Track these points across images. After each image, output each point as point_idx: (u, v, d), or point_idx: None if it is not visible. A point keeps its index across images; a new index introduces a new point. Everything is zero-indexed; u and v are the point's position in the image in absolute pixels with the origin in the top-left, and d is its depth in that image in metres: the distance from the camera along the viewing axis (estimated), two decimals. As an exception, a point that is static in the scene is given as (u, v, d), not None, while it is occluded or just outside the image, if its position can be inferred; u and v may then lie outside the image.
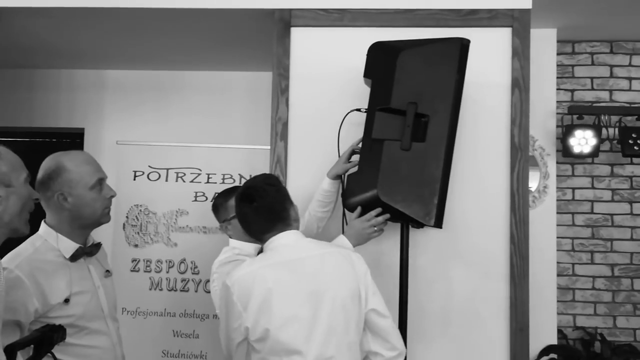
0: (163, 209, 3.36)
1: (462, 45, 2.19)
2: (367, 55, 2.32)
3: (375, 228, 2.16)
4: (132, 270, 3.33)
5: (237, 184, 3.18)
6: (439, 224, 2.13)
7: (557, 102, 3.38)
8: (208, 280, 2.84)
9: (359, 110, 2.34)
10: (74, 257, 1.76)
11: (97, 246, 1.90)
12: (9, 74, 4.06)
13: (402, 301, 2.22)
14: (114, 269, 2.17)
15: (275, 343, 1.72)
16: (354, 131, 2.37)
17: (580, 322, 3.49)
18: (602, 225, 3.52)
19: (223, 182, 3.35)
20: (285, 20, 2.67)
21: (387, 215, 2.16)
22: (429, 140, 2.14)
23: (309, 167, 2.59)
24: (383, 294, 1.89)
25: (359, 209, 2.19)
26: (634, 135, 3.25)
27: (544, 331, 3.11)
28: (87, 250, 1.82)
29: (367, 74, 2.33)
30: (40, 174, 1.77)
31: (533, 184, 3.24)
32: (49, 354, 1.42)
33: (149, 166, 3.39)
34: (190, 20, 2.95)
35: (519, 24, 2.60)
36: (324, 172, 2.34)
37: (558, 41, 3.33)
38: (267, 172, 2.53)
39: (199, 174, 3.38)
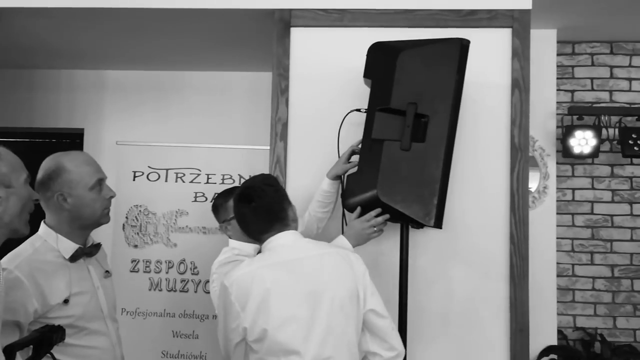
0: (163, 210, 3.36)
1: (462, 46, 2.19)
2: (367, 55, 2.32)
3: (375, 228, 2.16)
4: (131, 271, 3.32)
5: (236, 184, 3.17)
6: (438, 224, 2.13)
7: (557, 102, 3.38)
8: (208, 281, 2.85)
9: (358, 110, 2.34)
10: (74, 258, 1.76)
11: (97, 247, 1.89)
12: (9, 74, 4.06)
13: (402, 302, 2.22)
14: (114, 270, 2.17)
15: (273, 343, 1.72)
16: (354, 131, 2.37)
17: (580, 323, 3.49)
18: (602, 226, 3.52)
19: (223, 183, 3.35)
20: (285, 21, 2.67)
21: (387, 216, 2.16)
22: (429, 141, 2.14)
23: (308, 167, 2.59)
24: (383, 295, 1.89)
25: (358, 209, 2.19)
26: (634, 135, 3.25)
27: (544, 332, 3.11)
28: (87, 251, 1.82)
29: (367, 74, 2.33)
30: (40, 174, 1.77)
31: (533, 184, 3.24)
32: (48, 355, 1.42)
33: (149, 166, 3.39)
34: (190, 21, 2.95)
35: (519, 24, 2.60)
36: (323, 172, 2.34)
37: (558, 42, 3.33)
38: (267, 172, 2.53)
39: (199, 175, 3.38)
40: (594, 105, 3.52)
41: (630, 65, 3.54)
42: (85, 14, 2.85)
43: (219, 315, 1.85)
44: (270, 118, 2.66)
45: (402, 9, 2.64)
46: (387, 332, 1.85)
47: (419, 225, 2.20)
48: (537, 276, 2.87)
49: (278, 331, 1.72)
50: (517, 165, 2.56)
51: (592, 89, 3.55)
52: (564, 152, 3.30)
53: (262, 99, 3.60)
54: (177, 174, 3.38)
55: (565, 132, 3.29)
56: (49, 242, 1.75)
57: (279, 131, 2.64)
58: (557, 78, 3.37)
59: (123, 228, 3.36)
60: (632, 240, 3.51)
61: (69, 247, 1.76)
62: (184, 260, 3.33)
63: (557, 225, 3.33)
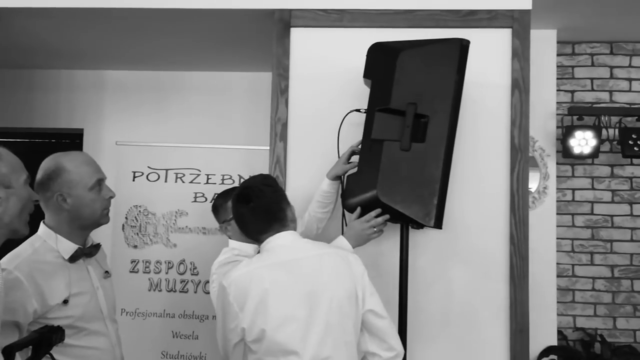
0: (162, 210, 3.36)
1: (462, 46, 2.19)
2: (367, 55, 2.32)
3: (375, 229, 2.16)
4: (131, 271, 3.32)
5: (236, 184, 3.17)
6: (438, 224, 2.13)
7: (557, 103, 3.38)
8: (207, 281, 2.85)
9: (358, 110, 2.34)
10: (73, 258, 1.76)
11: (97, 247, 1.89)
12: (9, 74, 4.06)
13: (402, 302, 2.21)
14: (113, 270, 2.17)
15: (271, 344, 1.72)
16: (354, 132, 2.37)
17: (580, 323, 3.49)
18: (602, 227, 3.52)
19: (222, 183, 3.35)
20: (285, 21, 2.67)
21: (387, 216, 2.15)
22: (429, 141, 2.14)
23: (308, 167, 2.59)
24: (382, 295, 1.88)
25: (358, 209, 2.19)
26: (634, 136, 3.25)
27: (543, 332, 3.11)
28: (87, 251, 1.82)
29: (366, 75, 2.32)
30: (39, 174, 1.77)
31: (533, 184, 3.23)
32: (47, 355, 1.42)
33: (149, 167, 3.39)
34: (190, 21, 2.95)
35: (518, 24, 2.60)
36: (323, 172, 2.34)
37: (558, 42, 3.33)
38: (267, 172, 2.53)
39: (199, 175, 3.38)
40: (594, 105, 3.52)
41: (630, 66, 3.54)
42: (85, 14, 2.85)
43: (218, 316, 1.85)
44: (270, 118, 2.66)
45: (402, 9, 2.63)
46: (386, 332, 1.84)
47: (419, 226, 2.20)
48: (537, 276, 2.87)
49: (276, 331, 1.71)
50: (517, 166, 2.56)
51: (592, 89, 3.55)
52: (564, 153, 3.29)
53: (262, 99, 3.60)
54: (176, 174, 3.38)
55: (565, 132, 3.29)
56: (48, 243, 1.75)
57: (279, 131, 2.63)
58: (557, 78, 3.37)
59: (123, 228, 3.36)
60: (632, 240, 3.51)
61: (69, 247, 1.76)
62: (184, 261, 3.33)
63: (557, 226, 3.33)
